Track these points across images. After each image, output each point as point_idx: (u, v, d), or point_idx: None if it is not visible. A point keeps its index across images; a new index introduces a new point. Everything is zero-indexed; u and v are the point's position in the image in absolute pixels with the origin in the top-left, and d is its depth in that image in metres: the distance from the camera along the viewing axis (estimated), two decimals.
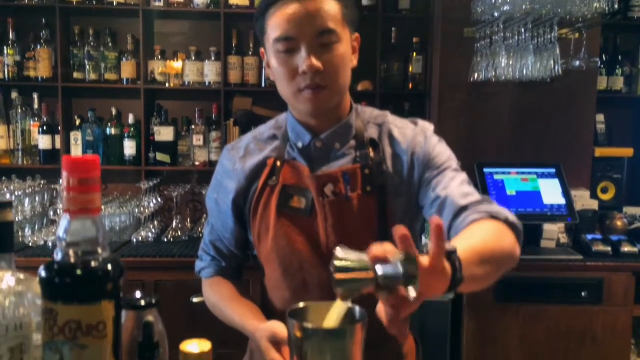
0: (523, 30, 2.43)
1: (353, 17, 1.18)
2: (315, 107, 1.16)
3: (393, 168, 1.20)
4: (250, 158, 1.26)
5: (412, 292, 0.68)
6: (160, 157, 2.93)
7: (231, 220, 1.27)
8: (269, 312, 1.25)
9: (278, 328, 1.04)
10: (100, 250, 0.69)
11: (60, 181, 2.72)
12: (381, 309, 0.76)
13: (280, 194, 1.20)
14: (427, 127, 1.25)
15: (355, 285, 0.72)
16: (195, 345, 0.71)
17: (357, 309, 0.77)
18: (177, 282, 2.39)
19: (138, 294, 0.78)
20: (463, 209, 1.07)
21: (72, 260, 0.67)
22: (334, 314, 0.76)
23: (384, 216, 1.17)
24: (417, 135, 1.21)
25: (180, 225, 2.72)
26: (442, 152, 1.20)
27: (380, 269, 0.70)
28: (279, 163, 1.22)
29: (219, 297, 1.30)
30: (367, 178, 1.17)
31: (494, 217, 1.03)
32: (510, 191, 2.52)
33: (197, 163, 2.95)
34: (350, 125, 1.22)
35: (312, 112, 1.18)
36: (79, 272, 0.66)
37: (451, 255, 0.77)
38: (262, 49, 1.22)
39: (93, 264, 0.67)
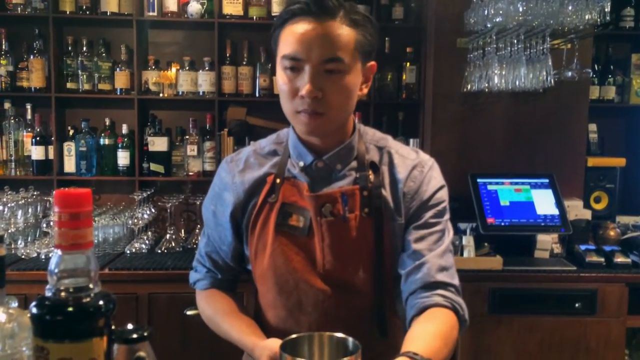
0: (515, 41, 2.44)
1: (369, 46, 1.16)
2: (310, 130, 1.16)
3: (390, 193, 1.21)
4: (249, 172, 1.26)
5: None
6: (154, 167, 2.92)
7: (229, 233, 1.27)
8: (263, 329, 1.24)
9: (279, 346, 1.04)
10: (91, 285, 0.69)
11: (54, 192, 2.71)
12: None
13: (279, 212, 1.20)
14: (427, 160, 1.25)
15: None
16: None
17: (350, 340, 0.76)
18: (171, 294, 2.38)
19: (130, 326, 0.77)
20: (436, 283, 1.14)
21: (64, 296, 0.66)
22: None
23: (380, 238, 1.17)
24: (416, 167, 1.22)
25: (174, 236, 2.71)
26: (439, 200, 1.21)
27: None
28: (278, 180, 1.22)
29: (214, 310, 1.29)
30: (365, 200, 1.18)
31: (455, 309, 1.14)
32: (504, 201, 2.53)
33: (190, 173, 2.94)
34: (352, 147, 1.23)
35: (308, 134, 1.19)
36: (70, 309, 0.65)
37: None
38: (276, 59, 1.22)
39: (85, 300, 0.67)
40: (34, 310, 0.66)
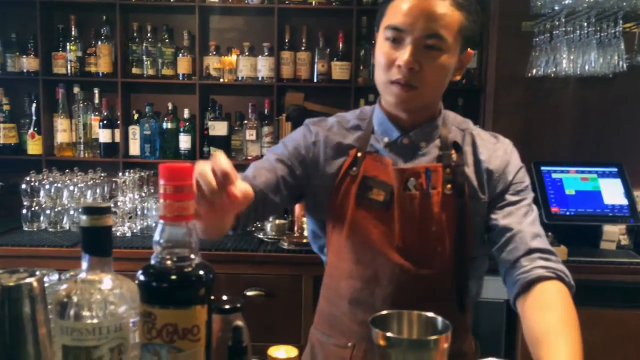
0: (585, 24, 2.36)
1: (471, 32, 1.18)
2: (399, 102, 1.18)
3: (473, 173, 1.22)
4: (335, 137, 1.27)
5: None
6: (213, 151, 2.98)
7: (287, 159, 1.23)
8: (335, 298, 1.25)
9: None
10: (192, 256, 0.72)
11: (120, 173, 2.80)
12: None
13: (360, 185, 1.21)
14: (507, 143, 1.28)
15: None
16: (282, 352, 0.73)
17: (440, 319, 0.77)
18: (231, 275, 2.43)
19: (224, 297, 0.80)
20: (532, 250, 1.12)
21: (168, 265, 0.69)
22: None
23: (462, 215, 1.18)
24: (498, 149, 1.24)
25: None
26: (522, 179, 1.23)
27: None
28: (360, 154, 1.24)
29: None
30: (448, 177, 1.19)
31: (560, 277, 1.10)
32: (569, 190, 2.46)
33: (249, 157, 2.99)
34: (437, 126, 1.25)
35: (396, 107, 1.21)
36: (174, 277, 0.68)
37: None
38: (376, 34, 1.23)
39: (187, 269, 0.70)
40: (141, 277, 0.69)
